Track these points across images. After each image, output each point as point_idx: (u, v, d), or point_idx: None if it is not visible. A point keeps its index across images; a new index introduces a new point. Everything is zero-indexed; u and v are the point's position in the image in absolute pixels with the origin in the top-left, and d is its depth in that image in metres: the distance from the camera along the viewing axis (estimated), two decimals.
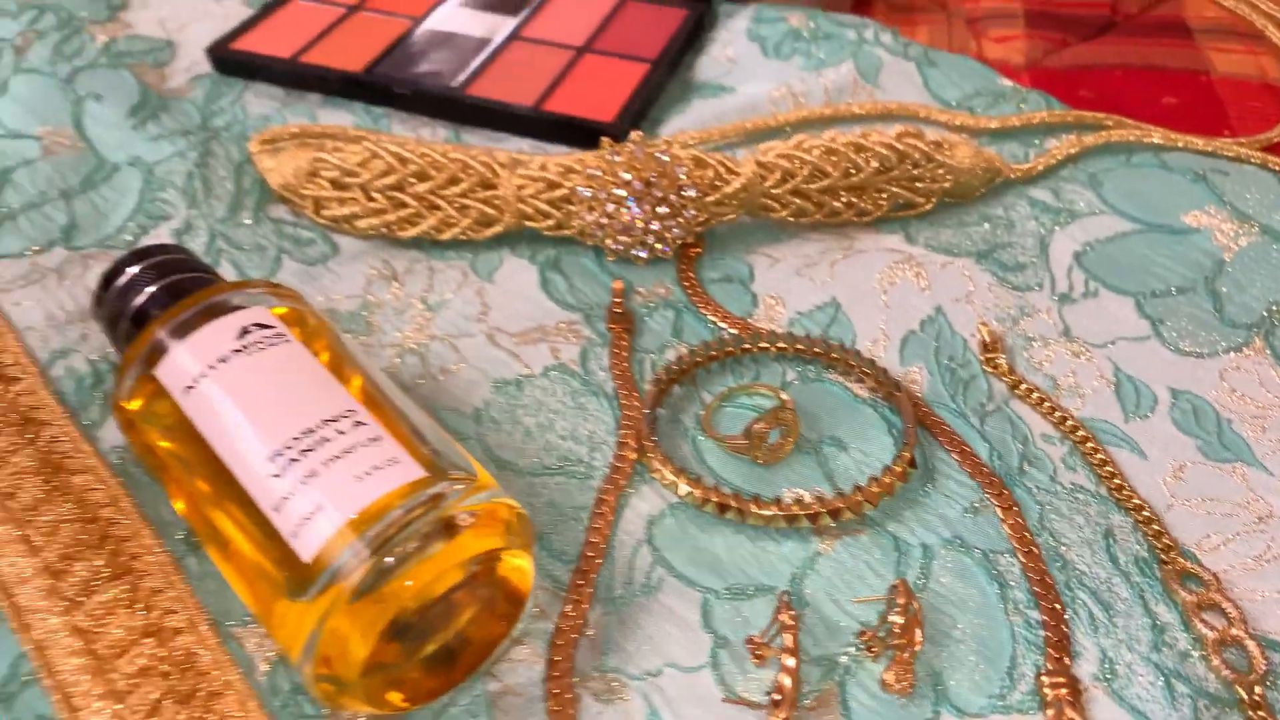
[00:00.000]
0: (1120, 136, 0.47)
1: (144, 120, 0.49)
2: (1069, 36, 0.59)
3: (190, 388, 0.31)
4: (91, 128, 0.48)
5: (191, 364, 0.31)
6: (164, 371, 0.32)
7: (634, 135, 0.43)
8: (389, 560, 0.27)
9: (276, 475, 0.29)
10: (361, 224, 0.44)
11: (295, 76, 0.54)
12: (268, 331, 0.32)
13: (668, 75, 0.54)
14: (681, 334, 0.41)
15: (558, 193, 0.43)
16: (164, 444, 0.32)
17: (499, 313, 0.42)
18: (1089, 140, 0.47)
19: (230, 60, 0.54)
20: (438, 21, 0.58)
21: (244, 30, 0.56)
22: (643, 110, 0.52)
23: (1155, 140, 0.47)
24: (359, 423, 0.30)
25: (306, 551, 0.27)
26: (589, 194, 0.43)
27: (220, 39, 0.55)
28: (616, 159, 0.43)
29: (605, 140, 0.43)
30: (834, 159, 0.44)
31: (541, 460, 0.36)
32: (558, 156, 0.44)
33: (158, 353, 0.33)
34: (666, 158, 0.43)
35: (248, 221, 0.45)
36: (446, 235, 0.44)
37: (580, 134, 0.50)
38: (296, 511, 0.28)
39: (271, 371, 0.31)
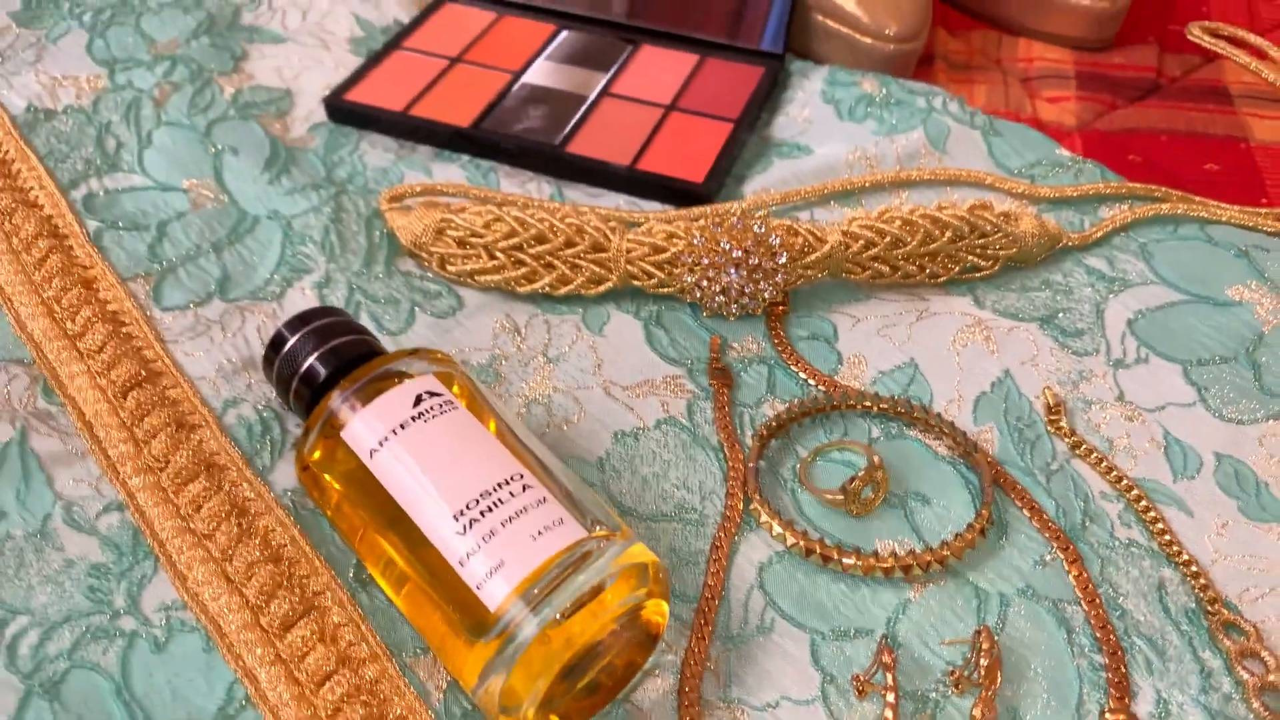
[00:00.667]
0: (1169, 209, 0.52)
1: (277, 174, 0.54)
2: (1117, 99, 0.63)
3: (375, 451, 0.36)
4: (231, 181, 0.53)
5: (375, 429, 0.36)
6: (350, 435, 0.37)
7: (734, 208, 0.48)
8: (557, 616, 0.32)
9: (460, 533, 0.34)
10: (483, 279, 0.49)
11: (407, 129, 0.58)
12: (438, 399, 0.37)
13: (749, 133, 0.59)
14: (775, 389, 0.46)
15: (662, 256, 0.48)
16: (337, 487, 0.38)
17: (611, 366, 0.46)
18: (1140, 211, 0.52)
19: (345, 111, 0.59)
20: (534, 76, 0.62)
21: (355, 80, 0.61)
22: (729, 169, 0.56)
23: (1201, 214, 0.52)
24: (527, 486, 0.35)
25: (492, 602, 0.32)
26: (691, 259, 0.47)
27: (334, 90, 0.60)
28: (718, 229, 0.47)
29: (712, 208, 0.48)
30: (912, 229, 0.48)
31: (659, 507, 0.41)
32: (662, 220, 0.49)
33: (336, 415, 0.38)
34: (762, 228, 0.47)
35: (380, 275, 0.50)
36: (561, 292, 0.49)
37: (673, 192, 0.55)
38: (480, 566, 0.33)
39: (446, 437, 0.36)
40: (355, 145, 0.58)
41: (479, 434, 0.37)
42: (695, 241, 0.47)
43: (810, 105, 0.60)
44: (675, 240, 0.48)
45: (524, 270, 0.49)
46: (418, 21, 0.67)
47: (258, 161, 0.54)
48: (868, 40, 0.61)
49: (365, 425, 0.37)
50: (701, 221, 0.48)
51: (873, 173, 0.55)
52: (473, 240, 0.49)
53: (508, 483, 0.35)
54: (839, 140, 0.57)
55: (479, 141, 0.58)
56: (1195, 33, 0.66)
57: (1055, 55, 0.66)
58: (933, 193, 0.55)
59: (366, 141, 0.58)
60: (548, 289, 0.49)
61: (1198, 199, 0.53)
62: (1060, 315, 0.48)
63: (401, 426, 0.36)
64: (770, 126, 0.60)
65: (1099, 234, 0.51)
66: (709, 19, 0.64)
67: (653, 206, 0.55)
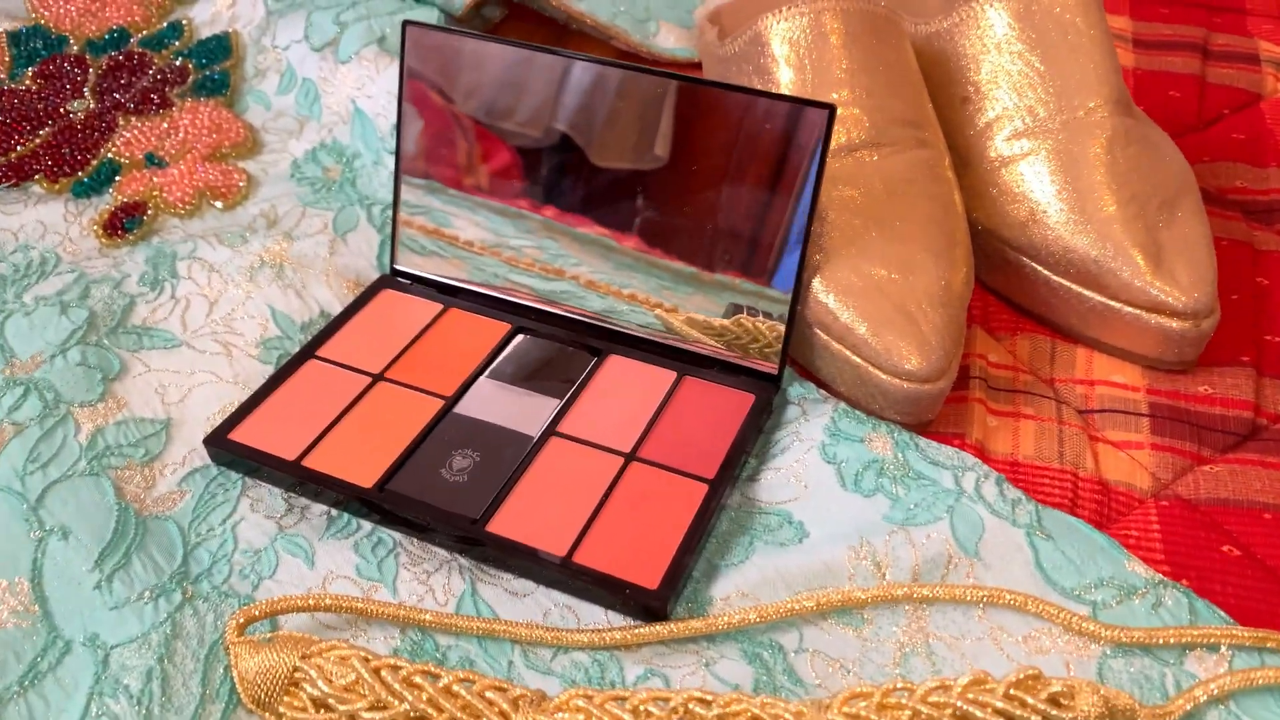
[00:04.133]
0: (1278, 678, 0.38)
1: (111, 573, 0.42)
2: (1203, 448, 0.50)
3: None
4: (50, 582, 0.42)
5: None
6: None
7: (672, 699, 0.35)
8: None
9: None
10: None
11: (299, 482, 0.47)
12: None
13: (730, 490, 0.46)
14: None
15: None
16: None
17: None
18: (1245, 677, 0.38)
19: (228, 454, 0.48)
20: (470, 404, 0.50)
21: (249, 409, 0.50)
22: (696, 559, 0.44)
23: None
24: None
25: None
26: None
27: (219, 427, 0.48)
28: None
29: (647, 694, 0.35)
30: None
31: None
32: (581, 695, 0.36)
33: None
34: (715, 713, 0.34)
35: None
36: None
37: (621, 598, 0.42)
38: None
39: None
40: (234, 505, 0.46)
41: None
42: None
43: (806, 461, 0.47)
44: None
45: None
46: (347, 315, 0.56)
47: (92, 550, 0.43)
48: (881, 375, 0.48)
49: None
50: (635, 702, 0.35)
51: (883, 585, 0.42)
52: (333, 704, 0.37)
53: None
54: (841, 523, 0.44)
55: (381, 509, 0.46)
56: None
57: (1123, 376, 0.53)
58: (959, 614, 0.41)
59: (249, 498, 0.46)
60: None
61: None
62: None
63: None
64: (757, 481, 0.47)
65: (1180, 711, 0.38)
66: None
67: (593, 616, 0.43)
